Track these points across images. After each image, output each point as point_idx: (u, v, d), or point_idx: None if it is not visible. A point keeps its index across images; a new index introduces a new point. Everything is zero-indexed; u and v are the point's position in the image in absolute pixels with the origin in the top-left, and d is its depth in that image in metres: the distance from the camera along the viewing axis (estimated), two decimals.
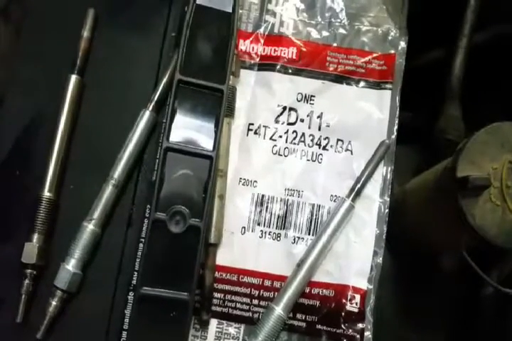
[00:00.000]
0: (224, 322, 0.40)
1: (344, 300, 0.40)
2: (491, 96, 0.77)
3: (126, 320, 0.39)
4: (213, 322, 0.40)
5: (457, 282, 0.64)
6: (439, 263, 0.65)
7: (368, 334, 0.40)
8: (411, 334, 0.64)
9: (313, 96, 0.45)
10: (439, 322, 0.64)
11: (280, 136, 0.44)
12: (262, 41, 0.46)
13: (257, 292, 0.41)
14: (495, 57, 0.75)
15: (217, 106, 0.40)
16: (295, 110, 0.45)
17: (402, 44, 0.47)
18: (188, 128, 0.39)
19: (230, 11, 0.42)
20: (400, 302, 0.64)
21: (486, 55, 0.74)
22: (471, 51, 0.70)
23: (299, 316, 0.40)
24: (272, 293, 0.41)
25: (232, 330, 0.40)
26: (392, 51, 0.46)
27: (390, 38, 0.47)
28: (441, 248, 0.59)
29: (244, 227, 0.42)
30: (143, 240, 0.40)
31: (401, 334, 0.65)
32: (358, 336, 0.39)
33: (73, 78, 0.43)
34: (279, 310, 0.39)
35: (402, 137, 0.78)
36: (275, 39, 0.46)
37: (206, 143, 0.39)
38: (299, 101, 0.45)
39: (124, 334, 0.39)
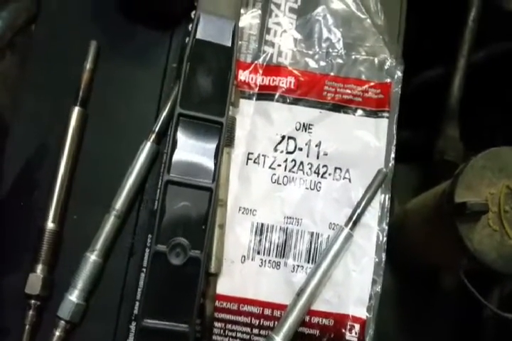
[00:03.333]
0: None
1: (344, 330, 0.41)
2: (490, 115, 0.78)
3: None
4: None
5: (459, 303, 0.64)
6: (441, 285, 0.65)
7: None
8: None
9: (312, 125, 0.46)
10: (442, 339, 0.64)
11: (279, 165, 0.45)
12: (261, 71, 0.47)
13: (257, 321, 0.41)
14: (494, 76, 0.76)
15: (216, 138, 0.41)
16: (294, 139, 0.46)
17: (398, 73, 0.48)
18: (188, 161, 0.40)
19: (229, 45, 0.43)
20: (403, 325, 0.64)
21: (485, 74, 0.75)
22: (471, 70, 0.71)
23: None
24: (272, 322, 0.41)
25: None
26: (388, 80, 0.47)
27: (386, 67, 0.48)
28: (441, 268, 0.59)
29: (244, 256, 0.43)
30: (144, 270, 0.41)
31: None
32: None
33: (76, 110, 0.44)
34: (278, 339, 0.39)
35: (403, 156, 0.79)
36: (273, 69, 0.47)
37: (206, 175, 0.40)
38: (297, 130, 0.46)
39: None
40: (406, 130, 0.80)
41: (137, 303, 0.40)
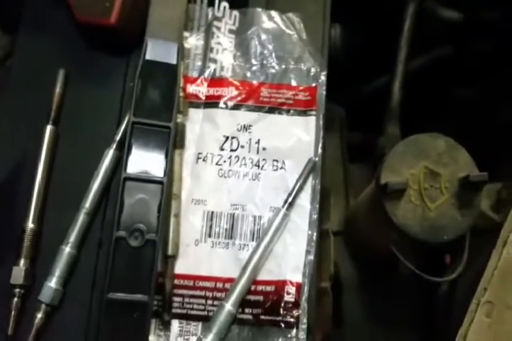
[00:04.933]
0: (184, 321, 0.47)
1: (283, 293, 0.47)
2: (433, 113, 0.85)
3: None
4: (175, 323, 0.46)
5: (416, 285, 0.70)
6: (398, 268, 0.72)
7: (302, 318, 0.46)
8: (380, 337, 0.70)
9: (251, 125, 0.53)
10: (404, 322, 0.70)
11: (224, 161, 0.52)
12: (206, 84, 0.55)
13: (210, 294, 0.47)
14: (436, 78, 0.84)
15: (166, 140, 0.49)
16: (236, 138, 0.53)
17: (323, 78, 0.55)
18: (142, 160, 0.48)
19: (175, 62, 0.51)
20: (366, 309, 0.70)
21: (427, 77, 0.83)
22: (414, 74, 0.79)
23: (246, 310, 0.47)
24: (224, 293, 0.47)
25: (191, 328, 0.46)
26: (314, 84, 0.55)
27: (312, 73, 0.55)
28: (384, 250, 0.65)
29: (198, 240, 0.49)
30: None
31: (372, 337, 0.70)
32: (294, 320, 0.46)
33: (48, 128, 0.51)
34: (228, 306, 0.45)
35: (357, 156, 0.87)
36: (217, 81, 0.55)
37: (158, 171, 0.47)
38: (239, 130, 0.53)
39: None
40: (359, 132, 0.88)
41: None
